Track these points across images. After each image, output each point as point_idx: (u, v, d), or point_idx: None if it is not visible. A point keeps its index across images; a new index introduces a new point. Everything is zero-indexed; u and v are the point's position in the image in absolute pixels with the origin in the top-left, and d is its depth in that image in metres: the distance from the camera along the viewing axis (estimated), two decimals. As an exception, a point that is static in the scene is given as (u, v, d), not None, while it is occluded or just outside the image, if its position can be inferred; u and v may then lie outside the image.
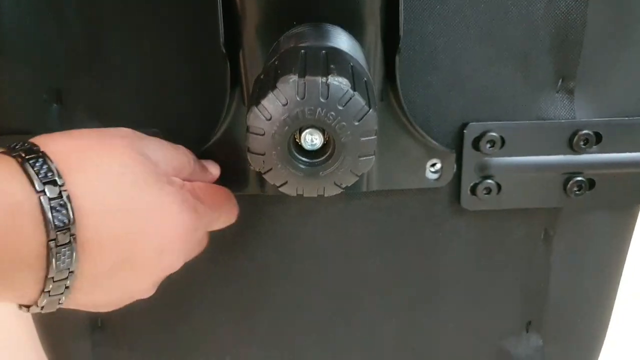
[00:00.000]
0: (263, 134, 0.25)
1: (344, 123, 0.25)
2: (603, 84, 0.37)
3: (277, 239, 0.41)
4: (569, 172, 0.39)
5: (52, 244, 0.26)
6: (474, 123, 0.38)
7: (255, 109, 0.25)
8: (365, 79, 0.27)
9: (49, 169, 0.26)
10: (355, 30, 0.32)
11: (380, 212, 0.40)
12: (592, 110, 0.38)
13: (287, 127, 0.25)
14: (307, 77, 0.24)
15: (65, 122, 0.37)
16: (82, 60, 0.36)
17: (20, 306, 0.29)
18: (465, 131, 0.38)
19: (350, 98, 0.25)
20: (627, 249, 0.43)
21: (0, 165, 0.27)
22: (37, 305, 0.28)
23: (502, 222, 0.41)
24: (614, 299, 0.45)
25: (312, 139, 0.26)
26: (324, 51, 0.27)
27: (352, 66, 0.27)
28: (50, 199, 0.26)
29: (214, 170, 0.36)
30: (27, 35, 0.35)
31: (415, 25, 0.35)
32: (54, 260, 0.26)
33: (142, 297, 0.32)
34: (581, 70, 0.37)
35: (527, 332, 0.45)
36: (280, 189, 0.28)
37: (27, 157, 0.27)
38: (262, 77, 0.27)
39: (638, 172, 0.39)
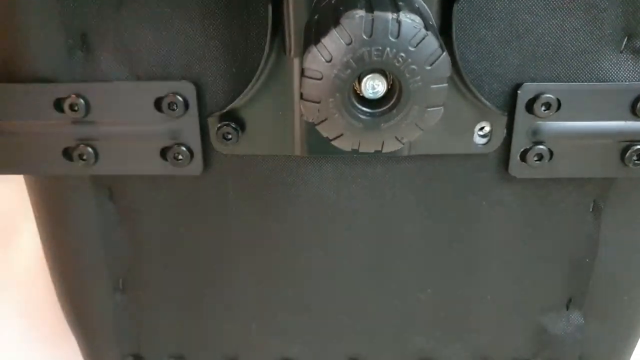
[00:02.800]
0: (320, 78, 0.23)
1: (414, 67, 0.22)
2: (673, 44, 0.34)
3: (309, 204, 0.38)
4: (629, 140, 0.36)
5: None
6: (529, 83, 0.35)
7: (313, 49, 0.22)
8: (431, 22, 0.25)
9: None
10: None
11: (422, 178, 0.38)
12: (659, 73, 0.35)
13: (349, 70, 0.22)
14: (375, 13, 0.21)
15: (91, 69, 0.34)
16: (109, 1, 0.33)
17: None
18: (519, 92, 0.35)
19: (424, 38, 0.22)
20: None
21: None
22: None
23: (548, 192, 0.38)
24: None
25: (373, 86, 0.23)
26: (387, -11, 0.24)
27: (418, 7, 0.24)
28: None
29: None
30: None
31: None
32: None
33: None
34: (651, 27, 0.34)
35: (568, 309, 0.42)
36: (333, 142, 0.25)
37: None
38: (316, 17, 0.25)
39: None
